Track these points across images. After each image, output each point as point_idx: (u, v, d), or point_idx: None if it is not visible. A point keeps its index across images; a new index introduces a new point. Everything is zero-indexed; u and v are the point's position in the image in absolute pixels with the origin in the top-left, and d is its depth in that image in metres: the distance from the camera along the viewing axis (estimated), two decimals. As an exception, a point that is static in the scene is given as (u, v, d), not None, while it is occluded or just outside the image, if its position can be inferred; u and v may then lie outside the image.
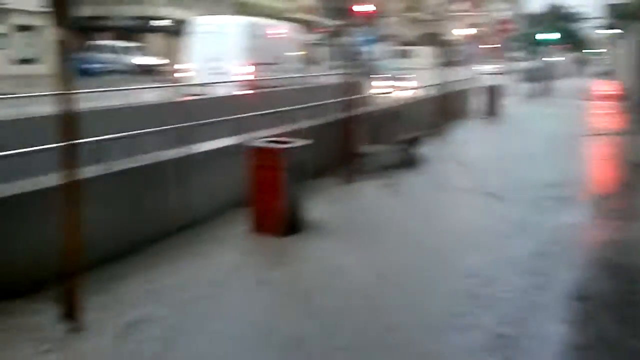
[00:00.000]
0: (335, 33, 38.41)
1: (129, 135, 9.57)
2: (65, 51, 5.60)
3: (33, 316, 5.82)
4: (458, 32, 73.18)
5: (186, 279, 7.02)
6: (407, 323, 6.03)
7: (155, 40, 43.78)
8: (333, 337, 5.73)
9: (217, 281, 7.00)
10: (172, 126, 10.25)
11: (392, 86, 24.18)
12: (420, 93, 22.54)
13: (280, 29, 26.96)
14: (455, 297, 6.61)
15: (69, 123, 5.63)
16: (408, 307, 6.42)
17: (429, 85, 22.19)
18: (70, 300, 5.72)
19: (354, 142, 12.22)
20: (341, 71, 13.01)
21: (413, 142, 14.41)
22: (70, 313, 5.71)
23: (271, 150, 8.58)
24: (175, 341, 5.60)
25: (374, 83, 25.78)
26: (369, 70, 29.44)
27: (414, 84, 25.58)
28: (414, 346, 5.60)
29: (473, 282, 7.01)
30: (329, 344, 5.61)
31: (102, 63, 33.31)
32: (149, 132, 10.06)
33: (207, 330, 5.86)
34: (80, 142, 5.89)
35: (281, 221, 8.41)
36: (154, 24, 42.65)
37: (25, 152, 8.19)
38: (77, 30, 6.05)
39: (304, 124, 12.38)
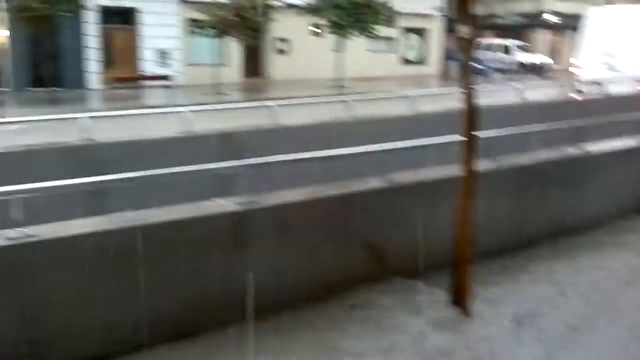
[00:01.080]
0: None
1: (518, 132, 9.80)
2: (469, 49, 6.12)
3: (424, 296, 6.45)
4: None
5: (575, 281, 7.04)
6: None
7: (540, 37, 43.35)
8: None
9: (611, 283, 6.88)
10: (562, 124, 10.19)
11: None
12: None
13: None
14: None
15: (470, 118, 6.12)
16: None
17: None
18: (459, 287, 6.23)
19: None
20: None
21: None
22: (459, 299, 6.21)
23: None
24: (561, 342, 5.70)
25: None
26: None
27: None
28: None
29: None
30: None
31: (489, 61, 34.16)
32: (540, 130, 10.16)
33: (597, 332, 5.86)
34: (479, 137, 6.29)
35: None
36: (544, 20, 42.17)
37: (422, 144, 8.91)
38: (479, 28, 6.49)
39: None
